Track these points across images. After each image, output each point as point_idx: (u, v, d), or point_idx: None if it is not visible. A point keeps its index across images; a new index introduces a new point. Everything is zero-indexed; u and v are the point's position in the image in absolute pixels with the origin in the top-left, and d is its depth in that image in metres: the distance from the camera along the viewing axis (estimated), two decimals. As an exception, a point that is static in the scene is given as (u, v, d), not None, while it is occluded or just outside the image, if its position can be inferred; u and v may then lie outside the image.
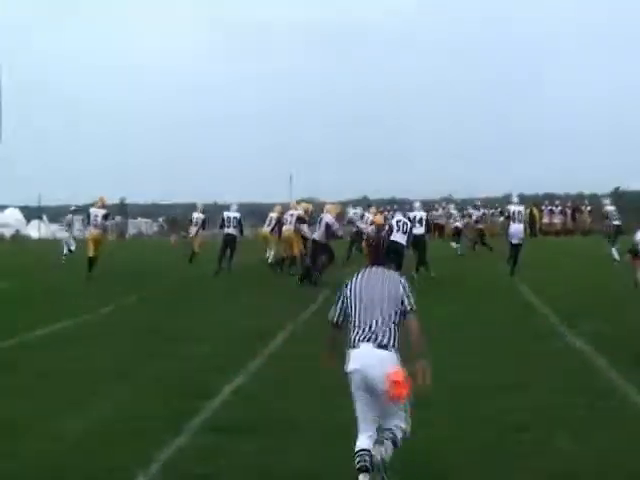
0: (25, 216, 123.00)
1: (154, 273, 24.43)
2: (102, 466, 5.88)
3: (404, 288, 5.73)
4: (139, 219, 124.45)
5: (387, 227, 18.91)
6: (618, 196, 52.46)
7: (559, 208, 45.09)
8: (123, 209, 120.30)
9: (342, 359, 5.69)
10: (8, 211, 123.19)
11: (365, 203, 43.74)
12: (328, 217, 19.40)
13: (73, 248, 33.90)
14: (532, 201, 46.68)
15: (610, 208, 24.69)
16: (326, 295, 16.70)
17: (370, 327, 5.61)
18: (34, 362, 10.03)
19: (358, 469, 5.28)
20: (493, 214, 43.90)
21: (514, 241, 20.62)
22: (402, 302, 5.68)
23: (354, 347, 5.62)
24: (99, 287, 20.48)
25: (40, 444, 6.45)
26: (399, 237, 17.85)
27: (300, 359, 9.79)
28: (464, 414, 7.13)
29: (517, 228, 20.81)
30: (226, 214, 25.58)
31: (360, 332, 5.64)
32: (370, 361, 5.49)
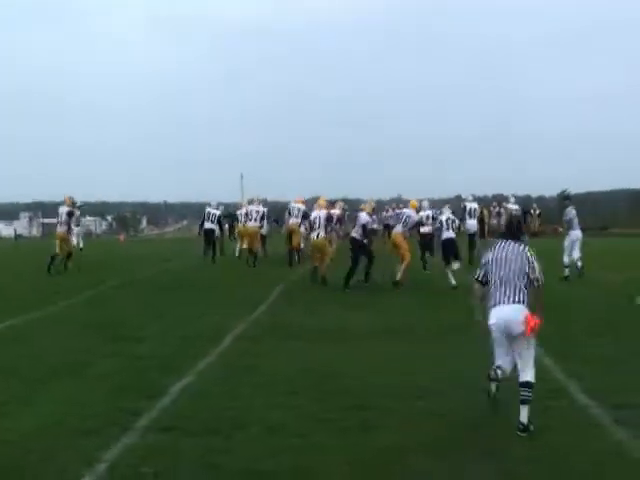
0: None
1: (105, 270, 24.21)
2: (49, 466, 5.82)
3: (529, 257, 7.17)
4: (87, 217, 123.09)
5: (437, 223, 20.29)
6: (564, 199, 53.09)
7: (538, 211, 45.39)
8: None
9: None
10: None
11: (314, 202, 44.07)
12: (364, 215, 19.49)
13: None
14: (482, 202, 47.24)
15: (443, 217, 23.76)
16: (274, 296, 16.74)
17: (506, 289, 7.11)
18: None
19: (490, 379, 7.19)
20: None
21: (470, 232, 24.50)
22: (528, 271, 7.10)
23: (495, 306, 7.13)
24: (49, 285, 20.23)
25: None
26: (450, 233, 19.19)
27: (248, 358, 9.81)
28: (415, 411, 7.20)
29: (472, 223, 24.21)
30: (208, 210, 26.31)
31: (499, 294, 7.14)
32: (508, 315, 6.98)
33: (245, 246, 26.46)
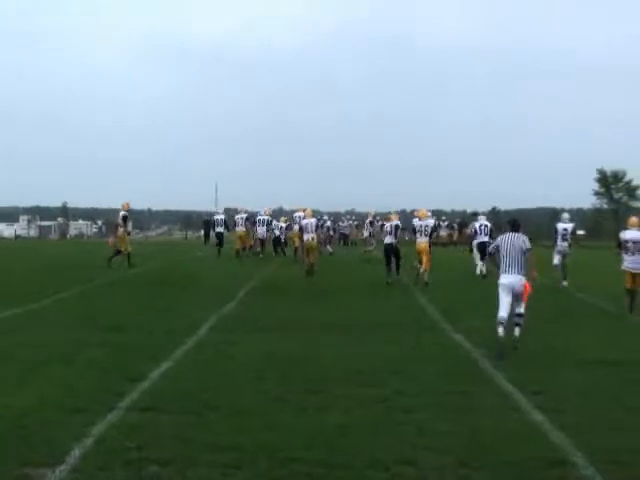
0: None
1: (94, 269, 23.93)
2: (41, 439, 5.78)
3: (525, 242, 10.15)
4: (80, 221, 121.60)
5: (472, 230, 22.89)
6: (495, 214, 53.88)
7: (446, 222, 46.02)
8: (65, 212, 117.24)
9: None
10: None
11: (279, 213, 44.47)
12: (397, 222, 20.66)
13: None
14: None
15: (477, 224, 23.99)
16: (243, 293, 16.73)
17: (511, 263, 10.02)
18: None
19: (499, 323, 9.73)
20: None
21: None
22: (525, 248, 10.08)
23: (504, 273, 10.05)
24: (44, 280, 19.97)
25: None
26: (484, 237, 21.07)
27: (220, 347, 9.81)
28: (361, 395, 7.24)
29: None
30: (216, 217, 27.83)
31: (506, 266, 10.04)
32: (514, 279, 9.95)
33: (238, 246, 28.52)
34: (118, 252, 24.19)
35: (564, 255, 19.80)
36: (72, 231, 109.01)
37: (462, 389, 7.51)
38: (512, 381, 7.87)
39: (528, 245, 10.11)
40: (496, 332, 9.65)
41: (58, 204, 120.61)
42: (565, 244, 19.91)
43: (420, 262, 19.52)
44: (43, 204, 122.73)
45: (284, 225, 32.01)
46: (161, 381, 7.83)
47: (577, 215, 69.91)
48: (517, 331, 9.87)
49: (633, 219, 15.14)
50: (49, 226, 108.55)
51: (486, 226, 22.21)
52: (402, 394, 7.30)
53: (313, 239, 22.77)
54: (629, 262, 14.47)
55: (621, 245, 14.79)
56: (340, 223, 42.82)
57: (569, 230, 20.14)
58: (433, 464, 5.29)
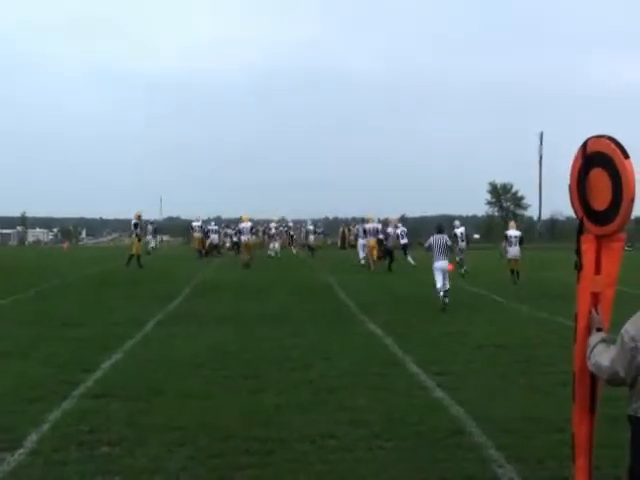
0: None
1: (50, 272, 23.18)
2: (0, 426, 5.56)
3: (447, 239, 14.16)
4: (37, 229, 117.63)
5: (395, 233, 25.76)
6: (403, 220, 54.61)
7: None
8: (23, 221, 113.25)
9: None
10: None
11: (220, 221, 44.35)
12: (402, 228, 26.26)
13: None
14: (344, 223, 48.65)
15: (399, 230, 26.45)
16: (187, 291, 16.51)
17: (440, 253, 13.72)
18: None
19: (443, 295, 13.41)
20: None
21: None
22: (448, 244, 14.05)
23: (436, 260, 13.74)
24: (2, 281, 19.21)
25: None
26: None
27: (165, 340, 9.65)
28: (292, 379, 7.25)
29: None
30: (241, 225, 28.82)
31: (437, 255, 13.71)
32: (443, 264, 13.73)
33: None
34: (132, 256, 24.94)
35: (461, 252, 22.62)
36: (30, 238, 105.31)
37: (377, 371, 7.61)
38: (418, 363, 8.01)
39: (449, 241, 14.36)
40: (439, 297, 13.42)
41: (17, 214, 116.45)
42: (463, 244, 22.93)
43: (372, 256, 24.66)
44: (2, 213, 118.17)
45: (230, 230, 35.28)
46: (112, 371, 7.65)
47: (472, 221, 71.84)
48: (447, 300, 13.32)
49: (512, 222, 21.73)
50: (8, 234, 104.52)
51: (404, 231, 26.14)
52: (326, 377, 7.35)
53: (248, 239, 26.78)
54: (511, 252, 19.47)
55: (507, 239, 19.81)
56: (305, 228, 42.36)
57: (463, 233, 23.38)
58: (352, 436, 5.34)
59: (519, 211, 75.58)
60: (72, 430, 5.45)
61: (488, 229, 67.92)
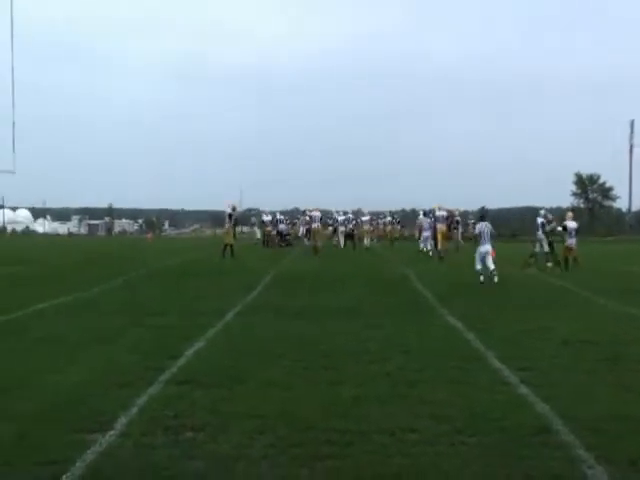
0: (33, 215, 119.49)
1: (136, 262, 24.06)
2: (92, 408, 5.81)
3: (491, 228, 16.49)
4: (123, 220, 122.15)
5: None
6: (483, 213, 53.61)
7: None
8: (110, 212, 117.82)
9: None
10: (19, 211, 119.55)
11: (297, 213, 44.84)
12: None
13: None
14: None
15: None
16: (264, 283, 16.76)
17: (484, 239, 16.27)
18: (37, 329, 9.82)
19: (479, 274, 16.19)
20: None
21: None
22: (492, 232, 16.52)
23: (481, 245, 16.36)
24: (92, 271, 20.09)
25: (41, 394, 6.31)
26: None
27: (245, 330, 9.82)
28: (370, 371, 7.24)
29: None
30: (312, 214, 32.19)
31: (482, 241, 16.28)
32: (486, 248, 16.14)
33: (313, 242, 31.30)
34: (227, 245, 26.03)
35: (542, 243, 21.97)
36: (117, 229, 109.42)
37: (458, 365, 7.48)
38: (500, 358, 7.81)
39: (492, 230, 16.66)
40: (478, 275, 16.16)
41: (105, 205, 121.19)
42: (541, 234, 22.18)
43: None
44: (92, 205, 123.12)
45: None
46: (195, 358, 7.84)
47: (556, 213, 69.65)
48: (496, 279, 15.81)
49: (570, 213, 22.67)
50: (97, 224, 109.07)
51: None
52: (405, 370, 7.28)
53: (318, 227, 30.90)
54: (569, 243, 20.81)
55: (565, 230, 21.08)
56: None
57: (545, 223, 22.45)
58: (433, 431, 5.27)
59: (607, 202, 72.65)
60: (158, 415, 5.63)
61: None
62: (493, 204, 68.73)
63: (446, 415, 5.64)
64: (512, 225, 58.49)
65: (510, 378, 6.95)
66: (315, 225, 31.34)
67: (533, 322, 10.61)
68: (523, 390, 6.46)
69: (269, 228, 35.40)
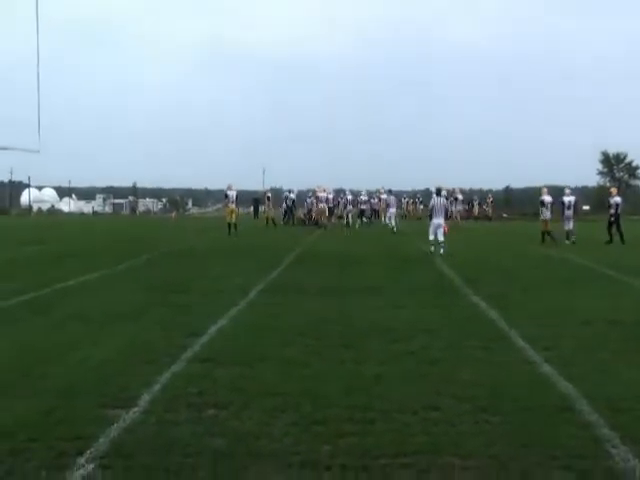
0: (58, 194, 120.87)
1: (158, 240, 24.24)
2: (116, 385, 5.87)
3: (445, 202, 19.01)
4: (147, 199, 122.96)
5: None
6: (508, 192, 53.05)
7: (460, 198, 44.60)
8: (134, 191, 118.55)
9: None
10: (45, 190, 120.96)
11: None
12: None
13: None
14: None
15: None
16: (288, 261, 16.77)
17: (438, 213, 18.10)
18: (64, 306, 9.93)
19: (431, 244, 18.14)
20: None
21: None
22: (446, 207, 19.28)
23: (432, 218, 18.28)
24: (117, 249, 20.27)
25: (66, 372, 6.38)
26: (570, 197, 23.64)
27: (268, 308, 9.83)
28: (393, 350, 7.21)
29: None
30: (286, 194, 38.67)
31: (435, 214, 18.10)
32: (438, 221, 17.98)
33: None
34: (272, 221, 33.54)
35: (569, 220, 23.13)
36: (141, 208, 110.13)
37: (481, 345, 7.42)
38: (524, 338, 7.74)
39: (447, 204, 18.60)
40: (430, 244, 17.96)
41: (129, 184, 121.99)
42: (570, 212, 23.19)
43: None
44: (116, 184, 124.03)
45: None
46: (218, 335, 7.88)
47: (582, 192, 68.51)
48: (441, 251, 17.51)
49: (568, 190, 23.72)
50: (121, 204, 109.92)
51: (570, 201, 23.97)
52: (429, 349, 7.24)
53: (323, 207, 34.01)
54: (566, 215, 23.01)
55: (564, 205, 23.09)
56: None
57: (571, 202, 23.35)
58: (456, 410, 5.23)
59: (634, 181, 71.52)
60: (181, 392, 5.66)
61: (599, 200, 64.71)
62: (519, 183, 67.78)
63: (469, 394, 5.60)
64: (536, 204, 57.55)
65: (534, 357, 6.87)
66: (322, 205, 34.20)
67: (557, 301, 10.50)
68: (547, 369, 6.39)
69: (322, 205, 34.76)
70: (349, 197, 37.94)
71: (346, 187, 41.00)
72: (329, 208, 34.98)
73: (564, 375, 6.14)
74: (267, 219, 35.40)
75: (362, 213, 37.71)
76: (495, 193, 63.19)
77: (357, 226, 35.40)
